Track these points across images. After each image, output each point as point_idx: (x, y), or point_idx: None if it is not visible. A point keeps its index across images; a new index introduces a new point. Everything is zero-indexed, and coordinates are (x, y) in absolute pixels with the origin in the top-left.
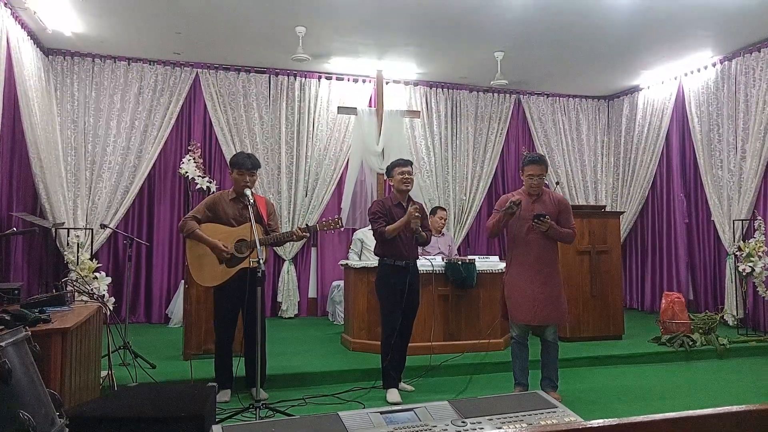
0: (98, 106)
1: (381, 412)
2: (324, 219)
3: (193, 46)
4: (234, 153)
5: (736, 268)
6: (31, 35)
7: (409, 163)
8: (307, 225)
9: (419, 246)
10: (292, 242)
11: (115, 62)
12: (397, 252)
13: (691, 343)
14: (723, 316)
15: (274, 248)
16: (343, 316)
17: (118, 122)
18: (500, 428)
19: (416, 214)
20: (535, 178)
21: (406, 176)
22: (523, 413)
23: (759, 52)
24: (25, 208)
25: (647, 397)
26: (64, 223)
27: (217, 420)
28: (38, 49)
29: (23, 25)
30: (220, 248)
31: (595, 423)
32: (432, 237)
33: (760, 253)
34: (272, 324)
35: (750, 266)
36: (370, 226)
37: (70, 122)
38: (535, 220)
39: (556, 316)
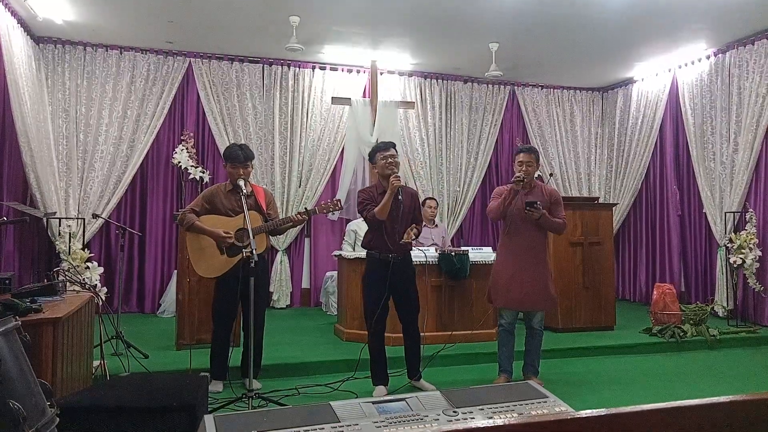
0: (90, 95)
1: (373, 402)
2: (323, 202)
3: (186, 35)
4: (227, 143)
5: (727, 259)
6: (21, 23)
7: (392, 145)
8: (306, 209)
9: (414, 232)
10: (289, 230)
11: (106, 51)
12: (383, 245)
13: (681, 334)
14: (713, 307)
15: (269, 238)
16: (336, 306)
17: (110, 111)
18: (491, 418)
19: (396, 183)
20: (524, 165)
21: (390, 160)
22: (514, 403)
23: (753, 44)
24: (16, 197)
25: (638, 388)
26: (55, 212)
27: (209, 410)
28: (28, 37)
29: (13, 13)
30: (222, 236)
31: (585, 413)
32: (425, 227)
33: (750, 245)
34: (266, 314)
35: (741, 258)
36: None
37: (62, 111)
38: (528, 208)
39: (545, 303)
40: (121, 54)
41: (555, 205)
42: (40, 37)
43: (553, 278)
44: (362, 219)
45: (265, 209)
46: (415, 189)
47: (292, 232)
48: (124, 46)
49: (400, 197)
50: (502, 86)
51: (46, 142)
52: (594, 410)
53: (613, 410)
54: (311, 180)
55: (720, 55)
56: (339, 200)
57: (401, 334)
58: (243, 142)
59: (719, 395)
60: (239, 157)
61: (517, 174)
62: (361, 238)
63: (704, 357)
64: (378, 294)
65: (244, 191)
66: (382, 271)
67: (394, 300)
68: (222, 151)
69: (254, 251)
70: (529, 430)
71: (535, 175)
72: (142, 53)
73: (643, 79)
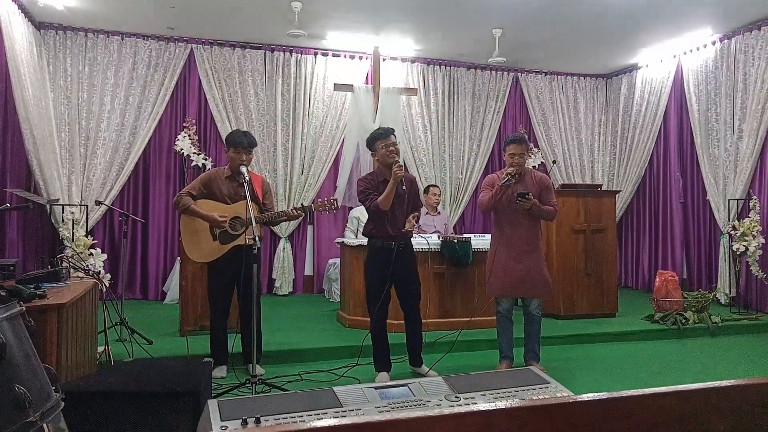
0: (92, 82)
1: (375, 388)
2: (319, 199)
3: (188, 21)
4: (230, 130)
5: (730, 247)
6: (22, 8)
7: (391, 132)
8: (302, 204)
9: (414, 220)
10: (287, 221)
11: (108, 37)
12: (385, 232)
13: (683, 321)
14: (716, 294)
15: (270, 227)
16: (339, 293)
17: (112, 98)
18: (493, 403)
19: (400, 173)
20: (516, 157)
21: (391, 148)
22: (516, 389)
23: (759, 30)
24: (19, 184)
25: (640, 374)
26: (58, 199)
27: (213, 395)
28: (29, 23)
29: None
30: (218, 220)
31: (586, 397)
32: (427, 214)
33: (754, 233)
34: (268, 301)
35: (744, 245)
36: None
37: (64, 98)
38: (519, 199)
39: (540, 289)
40: (122, 40)
41: (546, 191)
42: (41, 23)
43: (547, 264)
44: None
45: (261, 199)
46: (412, 175)
47: (295, 220)
48: (126, 32)
49: (403, 187)
50: (505, 73)
51: (49, 129)
52: (595, 394)
53: (615, 394)
54: (314, 167)
55: (725, 40)
56: (335, 200)
57: (403, 321)
58: (245, 128)
59: (720, 381)
60: (243, 142)
61: (509, 170)
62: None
63: (706, 344)
64: (380, 281)
65: (247, 178)
66: (385, 258)
67: (395, 288)
68: (224, 137)
69: (257, 238)
70: (531, 414)
71: (537, 163)
72: (144, 39)
73: (647, 66)
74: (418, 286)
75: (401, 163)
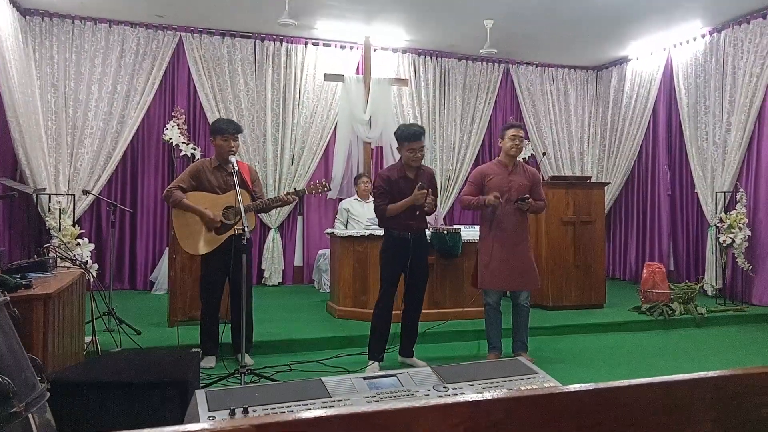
0: (79, 70)
1: (364, 378)
2: (312, 182)
3: (176, 9)
4: None
5: (717, 239)
6: None
7: (421, 134)
8: (294, 189)
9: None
10: (278, 209)
11: (95, 24)
12: (401, 224)
13: (670, 312)
14: (702, 286)
15: (260, 216)
16: (328, 284)
17: (99, 86)
18: (481, 393)
19: (422, 200)
20: (517, 140)
21: (417, 154)
22: (503, 379)
23: (748, 23)
24: (5, 173)
25: (626, 364)
26: (45, 188)
27: (201, 385)
28: (15, 9)
29: None
30: (211, 218)
31: (574, 387)
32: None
33: (740, 225)
34: (257, 291)
35: (731, 237)
36: (355, 196)
37: (50, 86)
38: (519, 203)
39: (530, 282)
40: (110, 28)
41: (536, 185)
42: (27, 10)
43: (535, 255)
44: (354, 198)
45: (250, 186)
46: (431, 168)
47: (285, 210)
48: (113, 19)
49: (425, 207)
50: (496, 64)
51: (35, 118)
52: (582, 384)
53: (602, 385)
54: (304, 157)
55: (715, 34)
56: (327, 181)
57: (399, 311)
58: (235, 118)
59: (706, 371)
60: (229, 128)
61: (492, 200)
62: (354, 217)
63: (692, 335)
64: (395, 272)
65: (236, 168)
66: (401, 249)
67: (405, 277)
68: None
69: (246, 228)
70: (519, 404)
71: (528, 155)
72: (132, 27)
73: (637, 58)
74: (427, 278)
75: (426, 189)
